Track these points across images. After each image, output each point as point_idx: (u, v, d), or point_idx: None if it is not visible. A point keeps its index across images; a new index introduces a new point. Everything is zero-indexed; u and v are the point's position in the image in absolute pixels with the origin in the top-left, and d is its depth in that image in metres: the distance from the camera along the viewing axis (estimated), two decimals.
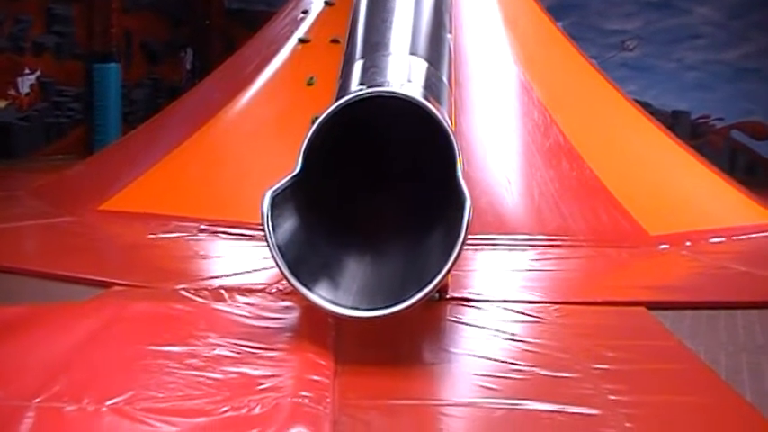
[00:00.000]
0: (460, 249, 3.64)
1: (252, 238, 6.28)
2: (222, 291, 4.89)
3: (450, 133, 4.23)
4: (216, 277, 5.27)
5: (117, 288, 5.03)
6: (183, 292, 4.84)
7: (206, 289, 4.93)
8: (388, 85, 4.74)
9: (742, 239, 7.36)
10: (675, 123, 13.62)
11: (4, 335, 3.86)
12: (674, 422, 3.21)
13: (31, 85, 14.03)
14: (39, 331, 3.93)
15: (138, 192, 7.76)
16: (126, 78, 15.76)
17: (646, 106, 10.99)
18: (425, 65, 5.28)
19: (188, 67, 18.26)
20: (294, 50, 8.65)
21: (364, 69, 5.11)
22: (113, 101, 15.09)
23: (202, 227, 6.80)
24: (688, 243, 6.95)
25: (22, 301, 4.70)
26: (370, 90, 4.47)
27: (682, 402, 3.40)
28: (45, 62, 14.32)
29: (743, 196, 8.59)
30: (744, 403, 3.43)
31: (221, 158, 7.80)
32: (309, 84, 7.76)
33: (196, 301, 4.69)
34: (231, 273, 5.40)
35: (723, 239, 7.24)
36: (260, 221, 3.92)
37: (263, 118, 8.04)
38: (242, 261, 5.74)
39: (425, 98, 4.45)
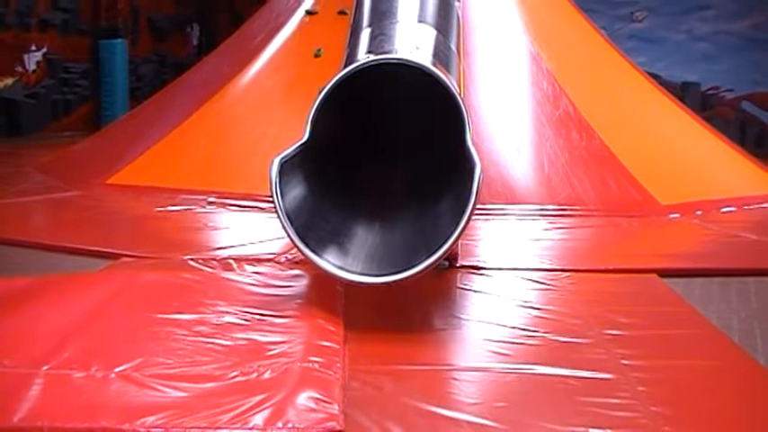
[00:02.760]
0: (471, 214, 3.61)
1: (260, 209, 6.28)
2: (231, 261, 4.87)
3: (460, 99, 4.19)
4: (224, 248, 5.25)
5: (125, 259, 5.01)
6: (192, 263, 4.83)
7: (215, 259, 4.91)
8: (396, 53, 4.70)
9: (753, 209, 7.30)
10: (685, 95, 13.47)
11: (13, 305, 3.86)
12: (688, 385, 3.19)
13: (38, 62, 13.98)
14: (47, 301, 3.93)
15: (145, 165, 7.74)
16: (132, 54, 15.75)
17: (655, 78, 10.86)
18: (434, 33, 5.23)
19: (194, 42, 18.22)
20: (301, 22, 8.60)
21: (372, 37, 5.07)
22: (120, 77, 15.08)
23: (210, 199, 6.78)
24: (699, 212, 6.90)
25: (31, 274, 4.68)
26: (377, 57, 4.42)
27: (695, 366, 3.38)
28: (51, 38, 14.25)
29: (754, 166, 8.54)
30: (758, 366, 3.40)
31: (229, 131, 7.77)
32: (317, 55, 7.72)
33: (205, 270, 4.68)
34: (240, 243, 5.38)
35: (734, 209, 7.19)
36: (268, 193, 3.90)
37: (271, 90, 8.00)
38: (251, 232, 5.73)
39: (434, 65, 4.41)
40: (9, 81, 13.38)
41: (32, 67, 13.89)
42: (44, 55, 14.08)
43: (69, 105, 14.75)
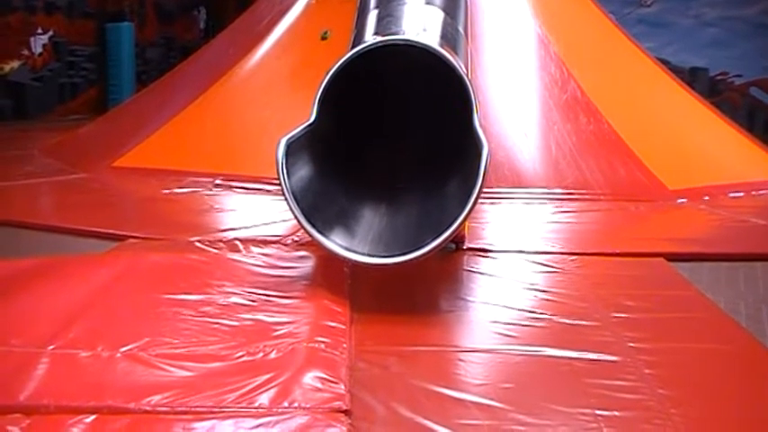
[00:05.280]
0: (478, 195, 3.59)
1: (267, 191, 6.27)
2: (237, 242, 4.86)
3: (467, 81, 4.16)
4: (231, 229, 5.24)
5: (132, 241, 5.01)
6: (198, 244, 4.82)
7: (221, 241, 4.90)
8: (403, 34, 4.67)
9: (761, 194, 7.23)
10: (694, 80, 13.39)
11: (20, 286, 3.86)
12: (695, 368, 3.17)
13: (44, 45, 13.96)
14: (54, 281, 3.93)
15: (152, 148, 7.74)
16: (139, 38, 15.72)
17: (664, 63, 10.79)
18: (442, 14, 5.21)
19: (201, 25, 18.17)
20: (308, 5, 8.57)
21: (379, 19, 5.05)
22: (127, 60, 15.07)
23: (217, 181, 6.77)
24: (707, 197, 6.85)
25: (38, 256, 4.66)
26: (385, 39, 4.40)
27: (702, 349, 3.37)
28: (57, 21, 14.23)
29: (762, 151, 8.48)
30: (765, 350, 3.38)
31: (235, 114, 7.75)
32: (323, 38, 7.69)
33: (211, 252, 4.68)
34: (246, 225, 5.37)
35: (742, 194, 7.13)
36: (275, 175, 3.89)
37: (277, 73, 7.99)
38: (257, 214, 5.72)
39: (441, 47, 4.38)
40: (15, 64, 13.38)
41: (39, 50, 13.87)
42: (50, 38, 14.06)
43: (76, 89, 14.73)
